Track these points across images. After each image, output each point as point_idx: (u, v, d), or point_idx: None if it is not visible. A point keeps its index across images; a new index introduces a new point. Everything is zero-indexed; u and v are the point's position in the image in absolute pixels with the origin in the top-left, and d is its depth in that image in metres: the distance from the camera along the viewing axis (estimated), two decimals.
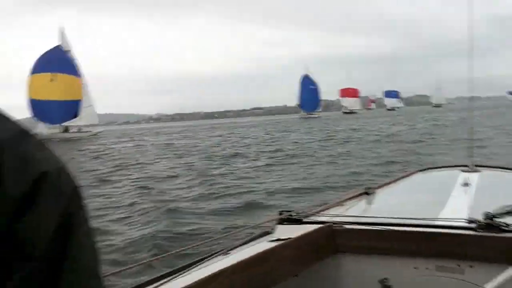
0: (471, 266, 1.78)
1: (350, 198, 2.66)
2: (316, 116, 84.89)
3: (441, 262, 1.84)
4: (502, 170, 3.38)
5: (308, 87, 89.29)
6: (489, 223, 1.78)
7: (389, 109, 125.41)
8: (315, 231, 2.00)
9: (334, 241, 2.02)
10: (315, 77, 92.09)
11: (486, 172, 3.18)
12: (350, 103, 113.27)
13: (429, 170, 3.54)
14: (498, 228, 1.77)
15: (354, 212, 2.36)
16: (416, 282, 1.88)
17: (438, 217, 2.07)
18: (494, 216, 1.79)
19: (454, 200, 2.45)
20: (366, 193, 2.73)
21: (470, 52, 2.89)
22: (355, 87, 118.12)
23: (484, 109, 66.94)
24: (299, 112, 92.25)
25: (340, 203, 2.56)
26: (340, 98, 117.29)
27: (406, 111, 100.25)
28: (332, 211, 2.37)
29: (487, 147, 15.41)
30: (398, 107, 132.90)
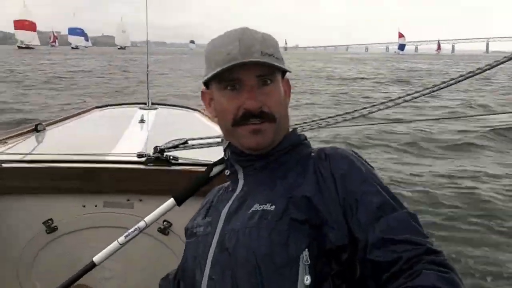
0: (140, 200, 1.80)
1: (16, 136, 2.37)
2: None
3: (111, 198, 1.80)
4: (176, 108, 3.67)
5: None
6: (158, 157, 1.81)
7: (73, 48, 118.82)
8: None
9: None
10: None
11: (161, 109, 3.35)
12: (27, 37, 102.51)
13: (107, 107, 3.50)
14: (167, 161, 1.81)
15: (19, 150, 2.10)
16: (83, 219, 1.80)
17: (111, 152, 2.02)
18: (163, 150, 1.81)
19: (129, 136, 2.45)
20: (36, 130, 2.48)
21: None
22: (33, 20, 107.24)
23: (169, 54, 73.05)
24: None
25: (3, 141, 2.23)
26: (16, 31, 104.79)
27: (92, 51, 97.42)
28: None
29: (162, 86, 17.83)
30: (85, 46, 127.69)
